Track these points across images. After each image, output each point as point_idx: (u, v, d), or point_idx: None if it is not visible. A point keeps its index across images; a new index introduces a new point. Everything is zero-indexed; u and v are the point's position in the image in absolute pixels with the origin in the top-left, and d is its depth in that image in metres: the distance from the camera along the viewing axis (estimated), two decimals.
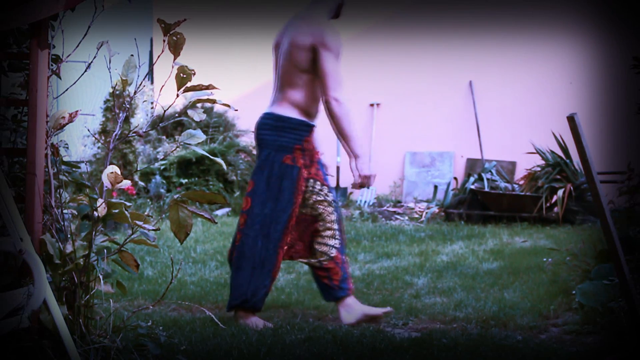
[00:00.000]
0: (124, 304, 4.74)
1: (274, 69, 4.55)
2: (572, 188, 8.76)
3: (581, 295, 4.38)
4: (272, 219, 4.38)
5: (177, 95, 3.30)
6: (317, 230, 4.52)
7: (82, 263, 3.22)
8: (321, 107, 4.43)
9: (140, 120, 10.35)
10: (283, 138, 4.34)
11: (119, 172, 3.18)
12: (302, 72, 4.35)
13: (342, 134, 4.35)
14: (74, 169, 3.58)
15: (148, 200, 9.45)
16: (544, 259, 5.93)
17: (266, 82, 11.71)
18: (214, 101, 3.35)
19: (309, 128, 4.41)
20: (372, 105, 11.23)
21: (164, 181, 9.78)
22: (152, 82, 10.51)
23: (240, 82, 11.37)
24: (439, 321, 4.55)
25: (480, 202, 9.18)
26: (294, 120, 4.35)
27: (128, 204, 3.23)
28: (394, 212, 9.90)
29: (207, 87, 3.33)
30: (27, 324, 2.97)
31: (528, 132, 10.24)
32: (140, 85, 3.40)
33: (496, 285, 5.43)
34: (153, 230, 3.25)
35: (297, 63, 4.34)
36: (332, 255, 4.51)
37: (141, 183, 9.72)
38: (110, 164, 3.24)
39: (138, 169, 9.84)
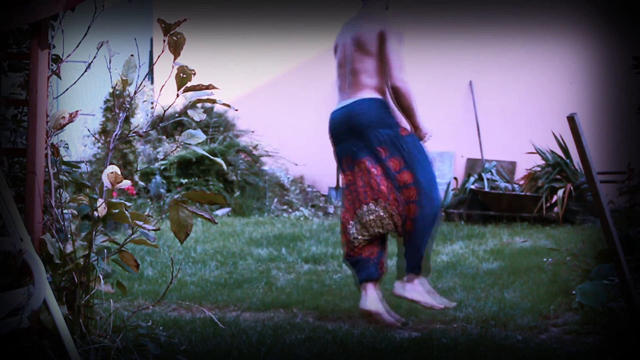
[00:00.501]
0: (124, 304, 4.74)
1: (340, 67, 4.81)
2: (572, 188, 8.75)
3: (581, 295, 4.38)
4: (430, 186, 4.62)
5: (177, 95, 3.30)
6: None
7: (82, 263, 3.22)
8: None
9: (140, 120, 10.35)
10: (385, 116, 4.66)
11: (119, 172, 3.18)
12: (374, 59, 4.65)
13: (406, 110, 4.69)
14: (74, 169, 3.58)
15: (148, 200, 9.44)
16: (544, 259, 5.93)
17: (266, 82, 11.74)
18: (214, 101, 3.35)
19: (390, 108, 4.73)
20: None
21: (164, 181, 9.78)
22: (152, 82, 10.50)
23: (240, 82, 11.37)
24: (439, 321, 4.55)
25: (480, 202, 9.18)
26: (383, 101, 4.68)
27: (128, 204, 3.24)
28: None
29: (207, 87, 3.33)
30: (27, 324, 2.97)
31: (528, 132, 10.23)
32: (140, 85, 3.40)
33: (496, 285, 5.43)
34: (153, 230, 3.25)
35: (369, 51, 4.64)
36: None
37: (141, 183, 9.72)
38: (110, 164, 3.24)
39: (138, 169, 9.84)
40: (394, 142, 4.62)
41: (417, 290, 4.61)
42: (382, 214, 4.59)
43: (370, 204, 4.60)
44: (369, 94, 4.67)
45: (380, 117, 4.64)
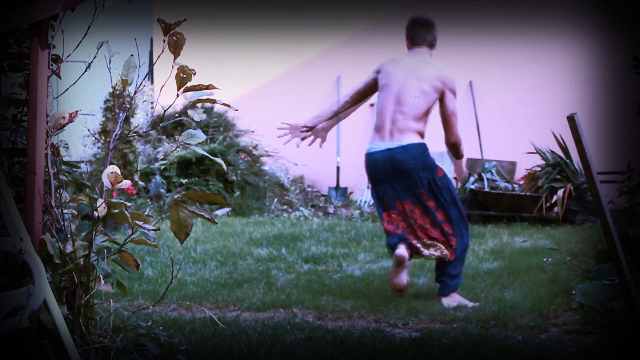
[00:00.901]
0: (124, 304, 4.73)
1: (386, 104, 5.24)
2: (572, 188, 8.75)
3: (581, 295, 4.38)
4: (459, 221, 5.18)
5: (177, 95, 3.30)
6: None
7: (82, 263, 3.22)
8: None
9: (140, 120, 10.34)
10: (427, 160, 5.21)
11: (119, 172, 3.18)
12: (427, 108, 5.23)
13: (459, 159, 5.68)
14: (74, 169, 3.57)
15: (148, 200, 9.44)
16: (544, 259, 5.93)
17: (266, 82, 11.72)
18: (214, 101, 3.35)
19: None
20: (372, 105, 11.21)
21: (164, 181, 9.77)
22: (152, 82, 10.50)
23: (240, 82, 11.37)
24: (439, 321, 4.55)
25: (480, 202, 9.18)
26: (425, 145, 5.25)
27: (128, 204, 3.23)
28: None
29: (207, 87, 3.33)
30: (27, 324, 2.97)
31: (528, 132, 10.22)
32: (140, 85, 3.40)
33: (496, 285, 5.43)
34: (153, 230, 3.25)
35: (428, 102, 5.20)
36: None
37: (141, 183, 9.71)
38: (110, 164, 3.24)
39: (138, 169, 9.84)
40: (432, 184, 5.15)
41: (459, 299, 5.09)
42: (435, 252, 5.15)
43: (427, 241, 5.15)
44: (415, 138, 5.18)
45: (423, 162, 5.17)
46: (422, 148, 5.19)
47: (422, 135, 5.24)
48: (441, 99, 5.25)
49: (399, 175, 5.13)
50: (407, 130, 5.16)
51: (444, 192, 5.16)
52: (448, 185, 5.22)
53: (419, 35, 5.39)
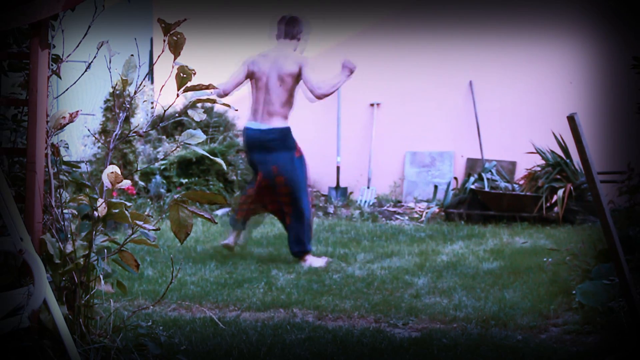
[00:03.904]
0: (124, 304, 4.73)
1: (258, 91, 6.40)
2: (572, 188, 8.75)
3: (581, 295, 4.38)
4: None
5: (177, 95, 3.30)
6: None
7: (82, 263, 3.22)
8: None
9: (140, 120, 10.34)
10: (288, 141, 6.37)
11: (119, 172, 3.18)
12: (289, 95, 6.33)
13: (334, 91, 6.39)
14: (74, 169, 3.58)
15: (148, 200, 9.44)
16: (544, 259, 5.93)
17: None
18: (214, 101, 3.35)
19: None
20: (372, 105, 11.22)
21: (164, 181, 9.77)
22: (152, 82, 10.49)
23: None
24: (439, 321, 4.55)
25: (480, 202, 9.18)
26: (288, 128, 6.38)
27: (128, 203, 3.24)
28: (394, 212, 9.90)
29: (207, 87, 3.33)
30: (27, 324, 2.97)
31: (528, 132, 10.22)
32: (140, 85, 3.40)
33: (496, 285, 5.43)
34: (153, 230, 3.25)
35: (287, 91, 6.31)
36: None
37: (141, 183, 9.71)
38: (110, 164, 3.24)
39: (138, 168, 9.83)
40: (288, 162, 6.32)
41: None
42: None
43: None
44: (279, 122, 6.30)
45: (284, 142, 6.29)
46: (285, 131, 6.31)
47: (286, 118, 6.35)
48: (298, 75, 6.29)
49: (263, 151, 6.30)
50: (274, 115, 6.30)
51: (297, 171, 6.31)
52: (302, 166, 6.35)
53: (283, 30, 6.75)
